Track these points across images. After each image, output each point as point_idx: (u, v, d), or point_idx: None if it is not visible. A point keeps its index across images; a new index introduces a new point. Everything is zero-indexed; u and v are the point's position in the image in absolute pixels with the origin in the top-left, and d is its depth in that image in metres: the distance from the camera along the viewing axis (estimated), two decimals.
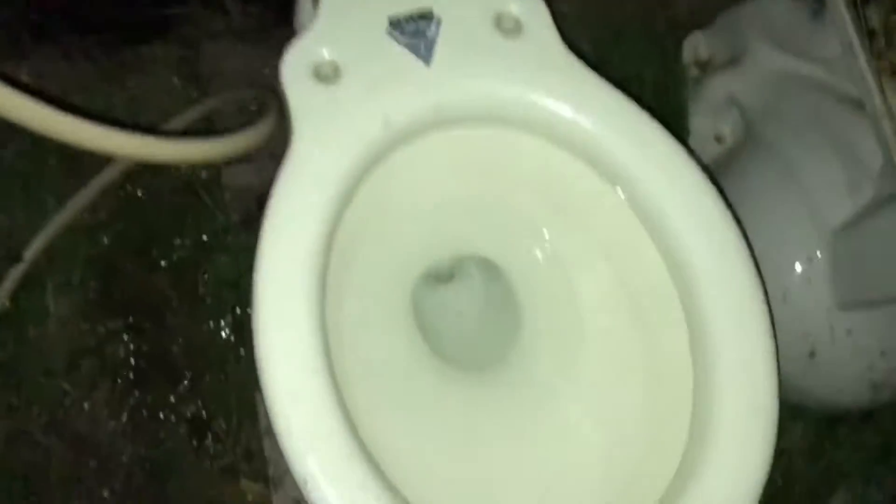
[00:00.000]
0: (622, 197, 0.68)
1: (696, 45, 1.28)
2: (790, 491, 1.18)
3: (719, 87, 1.23)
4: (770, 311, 0.66)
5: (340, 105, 0.65)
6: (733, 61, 1.23)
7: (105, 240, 1.11)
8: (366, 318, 0.73)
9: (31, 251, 1.07)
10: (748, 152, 1.18)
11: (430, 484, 0.69)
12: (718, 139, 1.25)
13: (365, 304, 0.73)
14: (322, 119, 0.64)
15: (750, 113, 1.19)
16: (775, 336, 0.65)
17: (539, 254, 0.75)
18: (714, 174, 1.20)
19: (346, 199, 0.64)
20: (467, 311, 0.83)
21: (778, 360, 0.65)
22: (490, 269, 0.80)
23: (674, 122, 1.26)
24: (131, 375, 1.08)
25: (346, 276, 0.70)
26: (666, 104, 1.26)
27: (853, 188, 1.06)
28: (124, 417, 1.07)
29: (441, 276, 0.83)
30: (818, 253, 1.06)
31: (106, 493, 1.05)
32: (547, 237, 0.74)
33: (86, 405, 1.07)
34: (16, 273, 1.05)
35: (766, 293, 0.67)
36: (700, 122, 1.25)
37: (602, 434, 0.71)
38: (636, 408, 0.69)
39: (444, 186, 0.72)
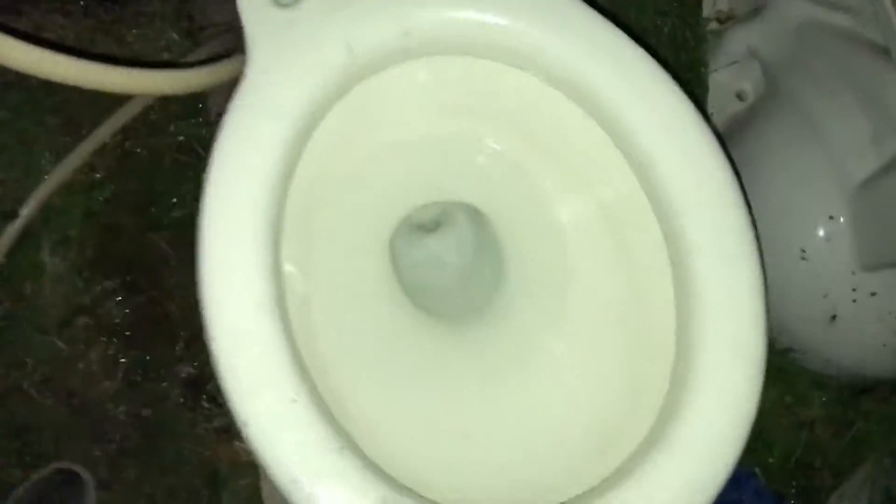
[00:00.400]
0: (601, 127, 0.63)
1: None
2: (812, 463, 1.12)
3: (740, 40, 1.17)
4: (759, 247, 0.60)
5: (299, 30, 0.61)
6: (754, 13, 1.17)
7: (102, 197, 1.09)
8: (337, 265, 0.69)
9: (28, 208, 1.05)
10: (769, 107, 1.12)
11: (405, 434, 0.66)
12: (740, 96, 1.19)
13: (337, 251, 0.69)
14: (279, 45, 0.60)
15: (772, 66, 1.13)
16: (764, 275, 0.60)
17: (522, 194, 0.70)
18: (736, 131, 1.15)
19: (304, 131, 0.61)
20: (454, 261, 0.79)
21: (767, 302, 0.59)
22: (476, 217, 0.76)
23: (693, 77, 1.21)
24: (127, 334, 1.06)
25: (313, 219, 0.67)
26: (685, 59, 1.20)
27: (878, 141, 1.00)
28: (119, 376, 1.06)
29: (424, 224, 0.79)
30: (840, 210, 1.00)
31: (99, 452, 1.04)
32: (529, 175, 0.70)
33: (80, 364, 1.05)
34: (11, 230, 1.04)
35: (755, 226, 0.61)
36: (721, 78, 1.20)
37: (587, 380, 0.67)
38: (621, 352, 0.65)
39: (417, 123, 0.68)
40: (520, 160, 0.69)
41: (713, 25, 1.21)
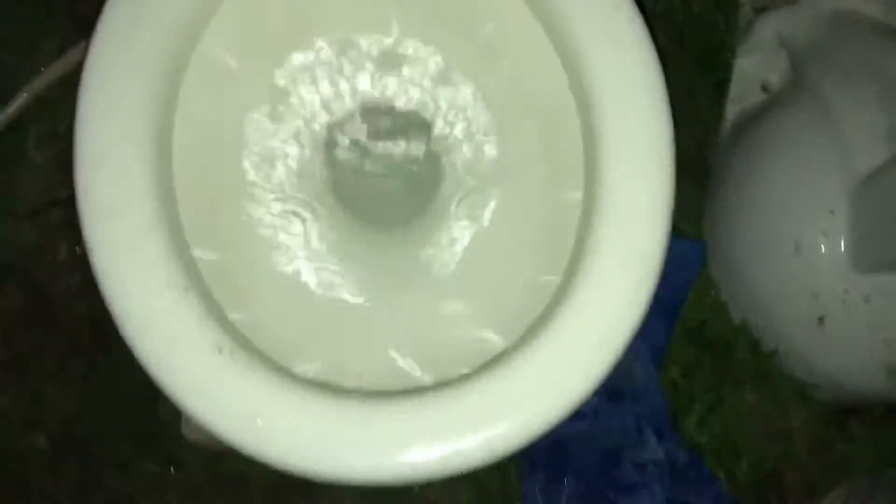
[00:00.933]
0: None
1: None
2: (783, 477, 1.05)
3: (770, 25, 1.12)
4: (674, 154, 0.56)
5: None
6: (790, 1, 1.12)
7: None
8: (257, 131, 0.66)
9: (21, 97, 1.06)
10: (789, 97, 1.07)
11: (290, 307, 0.62)
12: (765, 87, 1.14)
13: (259, 116, 0.66)
14: None
15: (799, 55, 1.07)
16: (675, 183, 0.55)
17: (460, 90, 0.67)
18: (752, 120, 1.09)
19: None
20: (405, 174, 0.75)
21: (670, 212, 0.55)
22: (423, 125, 0.73)
23: (718, 62, 1.15)
24: None
25: (246, 79, 0.64)
26: (711, 40, 1.15)
27: (892, 137, 0.94)
28: (82, 274, 1.05)
29: (376, 132, 0.76)
30: (842, 206, 0.93)
31: (50, 345, 1.03)
32: (448, 55, 0.66)
33: (47, 256, 1.05)
34: (2, 116, 1.05)
35: (672, 130, 0.56)
36: (747, 67, 1.14)
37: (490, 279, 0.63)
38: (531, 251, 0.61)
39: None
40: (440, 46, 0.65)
41: (748, 14, 1.16)
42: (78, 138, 0.52)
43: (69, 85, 1.07)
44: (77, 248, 1.06)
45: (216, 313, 0.51)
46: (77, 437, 1.02)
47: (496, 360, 0.53)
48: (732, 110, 1.14)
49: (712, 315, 1.05)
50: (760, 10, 1.16)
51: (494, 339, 0.58)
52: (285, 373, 0.51)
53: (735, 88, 1.15)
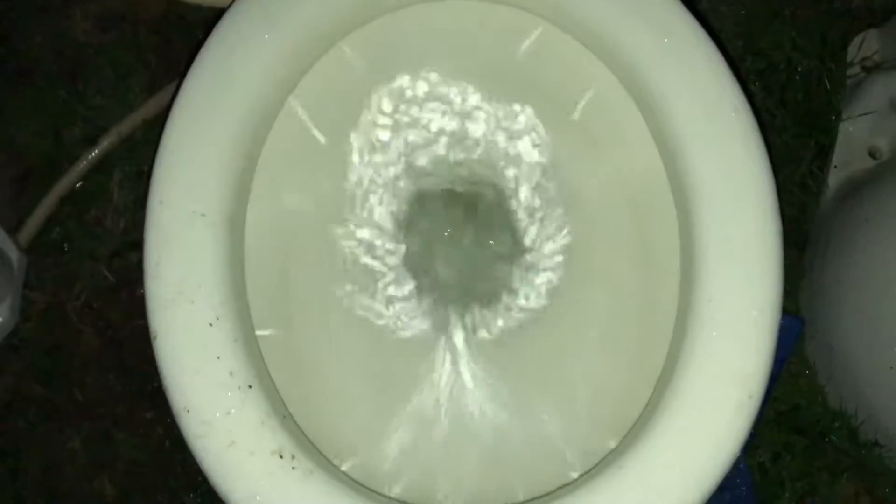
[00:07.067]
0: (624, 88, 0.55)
1: (867, 44, 1.10)
2: None
3: (882, 88, 1.05)
4: (782, 265, 0.50)
5: None
6: None
7: None
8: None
9: (107, 138, 1.06)
10: None
11: (362, 402, 0.59)
12: (873, 153, 1.07)
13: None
14: None
15: None
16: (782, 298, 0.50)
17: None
18: (857, 190, 1.02)
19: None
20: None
21: (777, 330, 0.49)
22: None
23: (822, 123, 1.09)
24: None
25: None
26: (815, 100, 1.08)
27: None
28: None
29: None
30: None
31: (120, 388, 1.02)
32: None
33: (123, 297, 1.05)
34: (88, 157, 1.06)
35: (781, 239, 0.51)
36: (853, 130, 1.07)
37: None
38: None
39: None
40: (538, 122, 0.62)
41: (856, 71, 1.09)
42: (149, 215, 0.50)
43: (155, 127, 1.07)
44: None
45: (279, 411, 0.48)
46: (142, 483, 1.01)
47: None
48: (836, 176, 1.07)
49: (807, 398, 0.98)
50: (871, 70, 1.10)
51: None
52: (352, 485, 0.47)
53: (840, 153, 1.08)
